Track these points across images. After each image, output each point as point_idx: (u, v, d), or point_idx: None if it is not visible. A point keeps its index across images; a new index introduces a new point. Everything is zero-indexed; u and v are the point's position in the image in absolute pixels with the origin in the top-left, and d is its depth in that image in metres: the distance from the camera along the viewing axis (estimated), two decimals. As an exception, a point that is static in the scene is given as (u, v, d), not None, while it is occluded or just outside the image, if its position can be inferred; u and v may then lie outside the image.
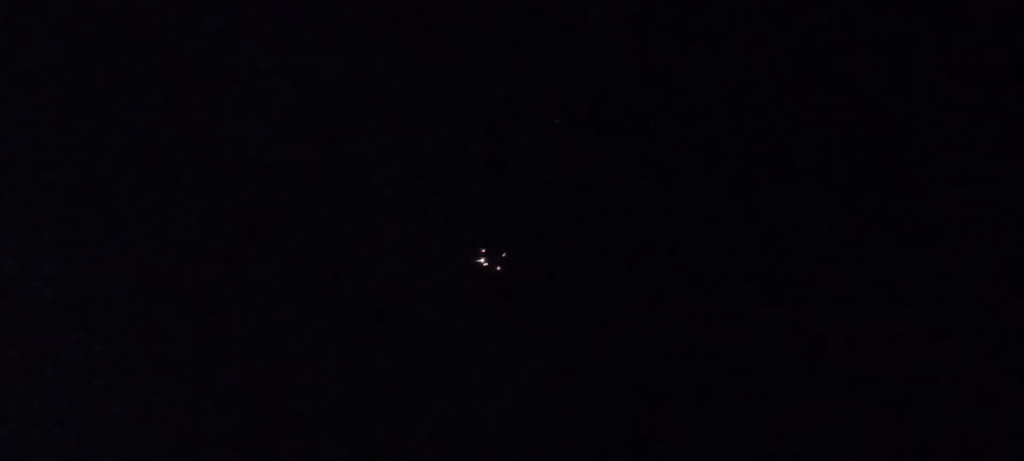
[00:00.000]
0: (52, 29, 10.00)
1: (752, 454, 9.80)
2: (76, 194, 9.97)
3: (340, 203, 10.18)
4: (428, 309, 10.08)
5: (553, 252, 10.19)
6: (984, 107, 10.06)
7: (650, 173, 10.21)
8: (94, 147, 10.01)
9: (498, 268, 10.13)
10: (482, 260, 10.09)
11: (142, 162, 10.04)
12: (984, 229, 9.92)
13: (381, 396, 9.94)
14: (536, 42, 10.30)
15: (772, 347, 9.93)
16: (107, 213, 9.97)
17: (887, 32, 10.19)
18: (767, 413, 9.84)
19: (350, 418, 9.86)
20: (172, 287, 9.96)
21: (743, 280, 10.04)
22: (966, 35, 10.13)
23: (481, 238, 10.20)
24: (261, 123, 10.17)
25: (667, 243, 10.14)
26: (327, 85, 10.25)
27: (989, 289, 9.87)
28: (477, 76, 10.30)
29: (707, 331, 10.01)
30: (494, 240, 10.20)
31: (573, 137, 10.28)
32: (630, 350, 10.02)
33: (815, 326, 9.94)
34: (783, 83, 10.21)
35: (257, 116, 10.17)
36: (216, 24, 10.15)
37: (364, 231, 10.17)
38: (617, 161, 10.26)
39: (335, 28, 10.25)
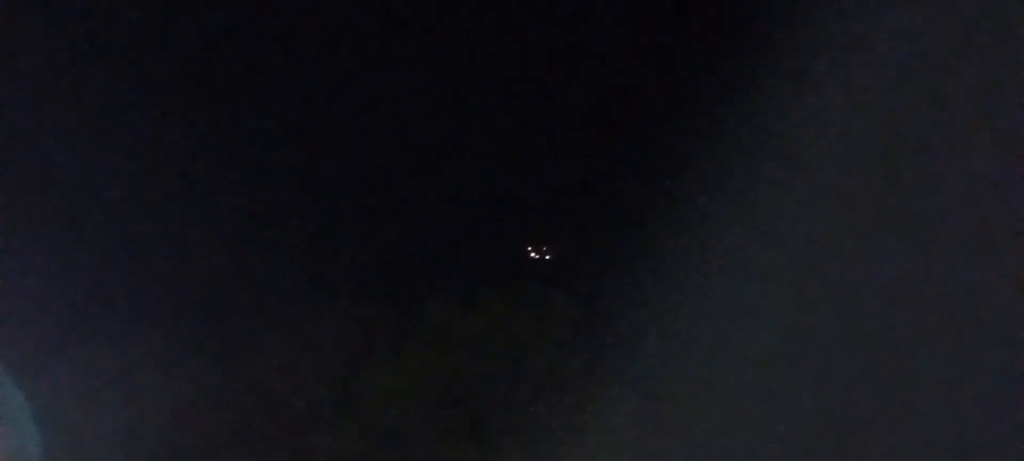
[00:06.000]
0: (52, 29, 10.04)
1: (752, 454, 9.82)
2: (76, 194, 10.01)
3: (340, 203, 10.22)
4: (430, 307, 10.12)
5: (552, 251, 10.22)
6: (984, 107, 10.07)
7: (650, 173, 10.24)
8: (94, 147, 10.05)
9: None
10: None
11: (142, 162, 10.08)
12: (984, 229, 9.92)
13: (382, 395, 9.97)
14: (536, 42, 10.35)
15: (772, 347, 9.95)
16: (107, 213, 10.01)
17: (887, 32, 10.21)
18: (767, 413, 9.85)
19: (351, 417, 9.89)
20: (172, 287, 10.00)
21: (743, 280, 10.05)
22: (968, 36, 10.15)
23: (481, 237, 10.24)
24: (261, 123, 10.22)
25: (667, 243, 10.17)
26: (328, 85, 10.30)
27: (989, 289, 9.87)
28: (477, 76, 10.34)
29: (707, 331, 10.02)
30: (493, 239, 10.24)
31: (574, 137, 10.32)
32: (630, 350, 10.06)
33: (815, 326, 9.96)
34: (783, 83, 10.23)
35: (257, 116, 10.22)
36: (216, 24, 10.20)
37: (366, 231, 10.22)
38: (617, 161, 10.29)
39: (335, 28, 10.30)
